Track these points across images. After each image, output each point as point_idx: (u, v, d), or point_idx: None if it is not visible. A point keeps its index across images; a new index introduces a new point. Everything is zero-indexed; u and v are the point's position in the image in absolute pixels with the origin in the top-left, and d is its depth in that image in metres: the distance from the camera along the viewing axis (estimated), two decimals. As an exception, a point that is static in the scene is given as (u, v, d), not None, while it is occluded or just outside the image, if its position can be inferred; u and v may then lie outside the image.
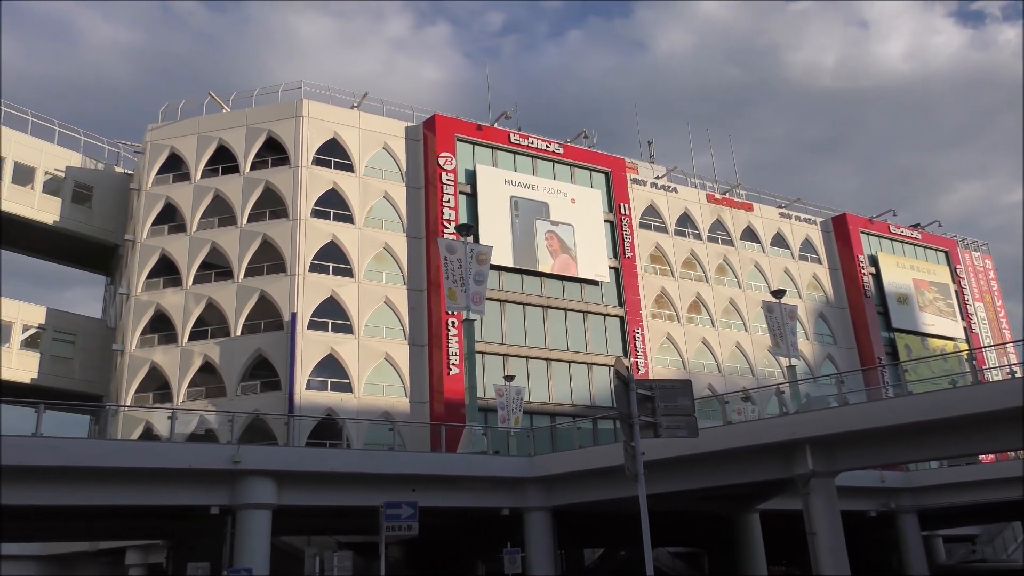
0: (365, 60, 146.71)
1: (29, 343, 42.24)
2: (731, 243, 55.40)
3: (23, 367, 41.50)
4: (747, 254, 55.74)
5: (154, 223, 42.64)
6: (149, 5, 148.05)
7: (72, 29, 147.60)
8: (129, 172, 47.21)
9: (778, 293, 37.21)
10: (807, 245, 59.19)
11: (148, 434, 36.94)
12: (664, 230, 52.68)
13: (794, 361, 37.19)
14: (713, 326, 52.00)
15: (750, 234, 56.71)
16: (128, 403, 39.08)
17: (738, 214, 56.54)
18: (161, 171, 43.57)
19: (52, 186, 43.98)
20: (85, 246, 46.45)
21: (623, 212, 50.42)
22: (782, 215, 59.11)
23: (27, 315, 42.43)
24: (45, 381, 41.62)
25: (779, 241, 57.92)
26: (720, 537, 34.16)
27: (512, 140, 48.13)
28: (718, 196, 56.34)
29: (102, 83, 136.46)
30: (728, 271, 54.49)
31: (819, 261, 59.21)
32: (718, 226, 55.30)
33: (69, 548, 40.63)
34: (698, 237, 53.99)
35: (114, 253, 46.90)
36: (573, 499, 27.96)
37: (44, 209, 43.31)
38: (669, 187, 54.25)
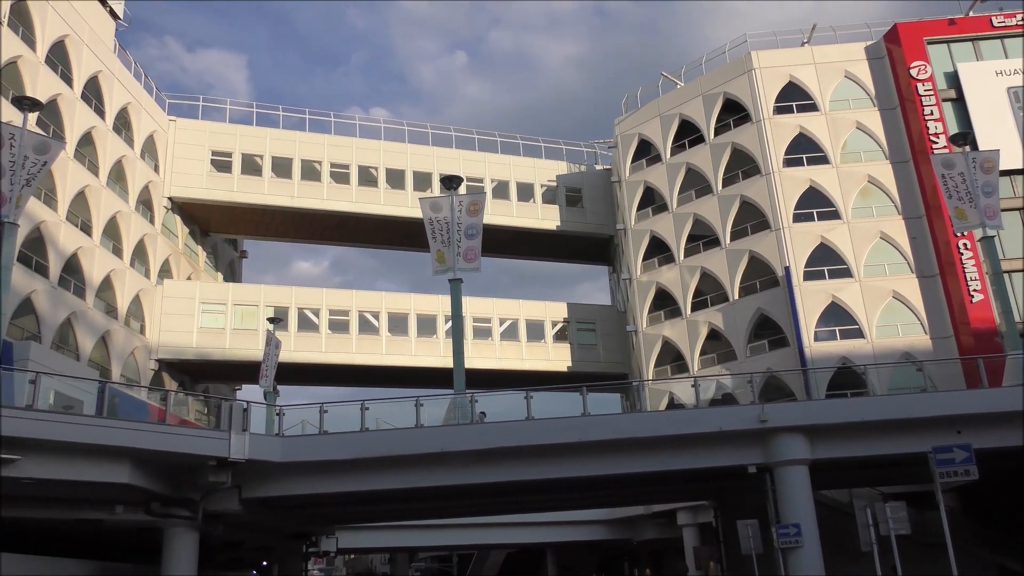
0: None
1: (559, 336, 48.28)
2: None
3: (558, 358, 47.58)
4: None
5: (639, 208, 45.68)
6: (587, 16, 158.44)
7: (530, 59, 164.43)
8: (608, 167, 51.13)
9: None
10: None
11: (671, 403, 39.55)
12: None
13: None
14: None
15: None
16: (651, 377, 42.40)
17: None
18: (635, 158, 46.54)
19: (548, 196, 49.70)
20: (584, 242, 51.55)
21: None
22: None
23: (553, 313, 48.63)
24: (577, 367, 47.25)
25: None
26: None
27: (995, 24, 41.59)
28: None
29: (564, 95, 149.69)
30: None
31: None
32: None
33: (629, 512, 45.32)
34: None
35: (610, 243, 51.20)
36: None
37: (546, 218, 49.12)
38: None
